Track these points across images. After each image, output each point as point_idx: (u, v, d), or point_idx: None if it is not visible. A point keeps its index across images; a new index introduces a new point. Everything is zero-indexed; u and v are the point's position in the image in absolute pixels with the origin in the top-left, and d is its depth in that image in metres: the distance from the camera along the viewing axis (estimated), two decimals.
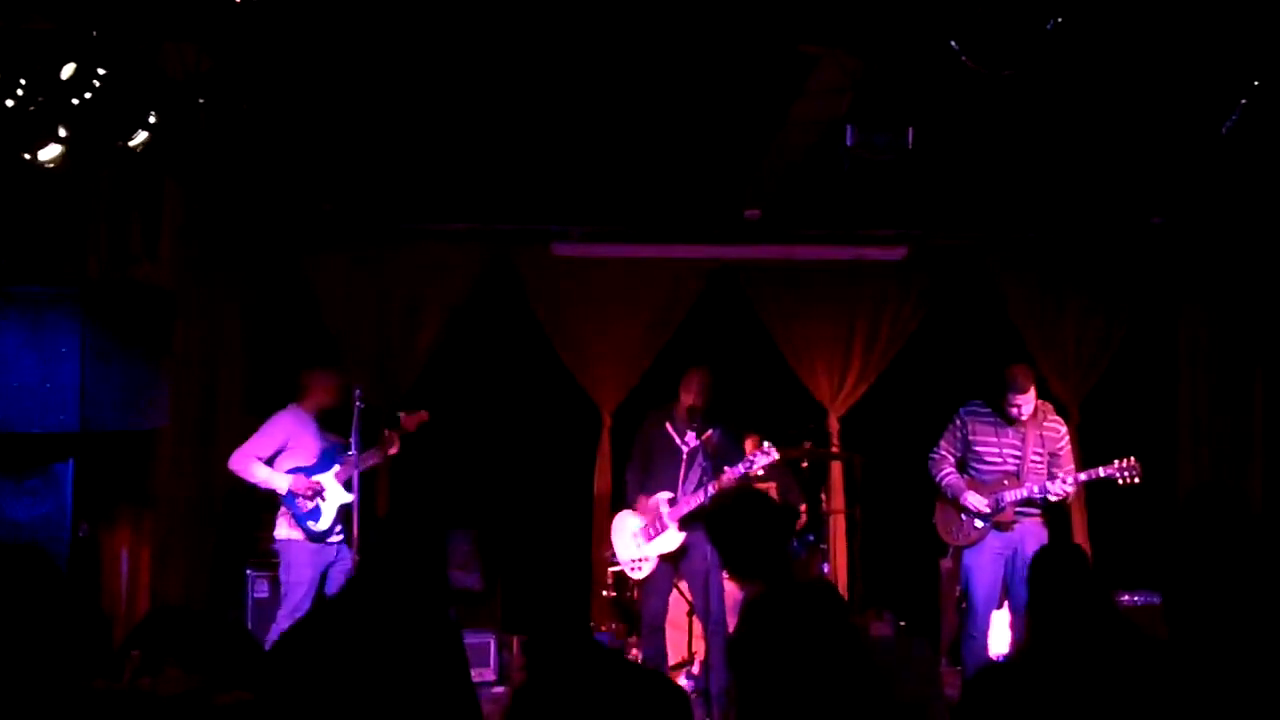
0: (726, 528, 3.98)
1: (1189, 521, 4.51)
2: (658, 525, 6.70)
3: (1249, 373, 8.31)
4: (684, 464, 6.70)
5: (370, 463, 6.93)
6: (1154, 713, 3.39)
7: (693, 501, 6.58)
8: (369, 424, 6.80)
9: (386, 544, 3.91)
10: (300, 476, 6.65)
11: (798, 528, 7.98)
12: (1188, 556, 4.23)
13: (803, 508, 8.26)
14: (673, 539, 6.65)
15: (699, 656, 7.19)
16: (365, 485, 6.90)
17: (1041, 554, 3.89)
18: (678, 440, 6.74)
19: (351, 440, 6.60)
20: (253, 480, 6.67)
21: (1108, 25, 4.64)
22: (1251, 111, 5.05)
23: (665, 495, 6.70)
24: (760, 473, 6.63)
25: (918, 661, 6.09)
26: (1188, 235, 8.36)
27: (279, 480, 6.64)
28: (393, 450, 7.02)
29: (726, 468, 6.49)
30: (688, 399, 6.75)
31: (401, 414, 7.05)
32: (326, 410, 6.89)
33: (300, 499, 6.63)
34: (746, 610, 3.74)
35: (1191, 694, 3.43)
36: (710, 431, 6.61)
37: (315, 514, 6.68)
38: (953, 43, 4.45)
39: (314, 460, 6.76)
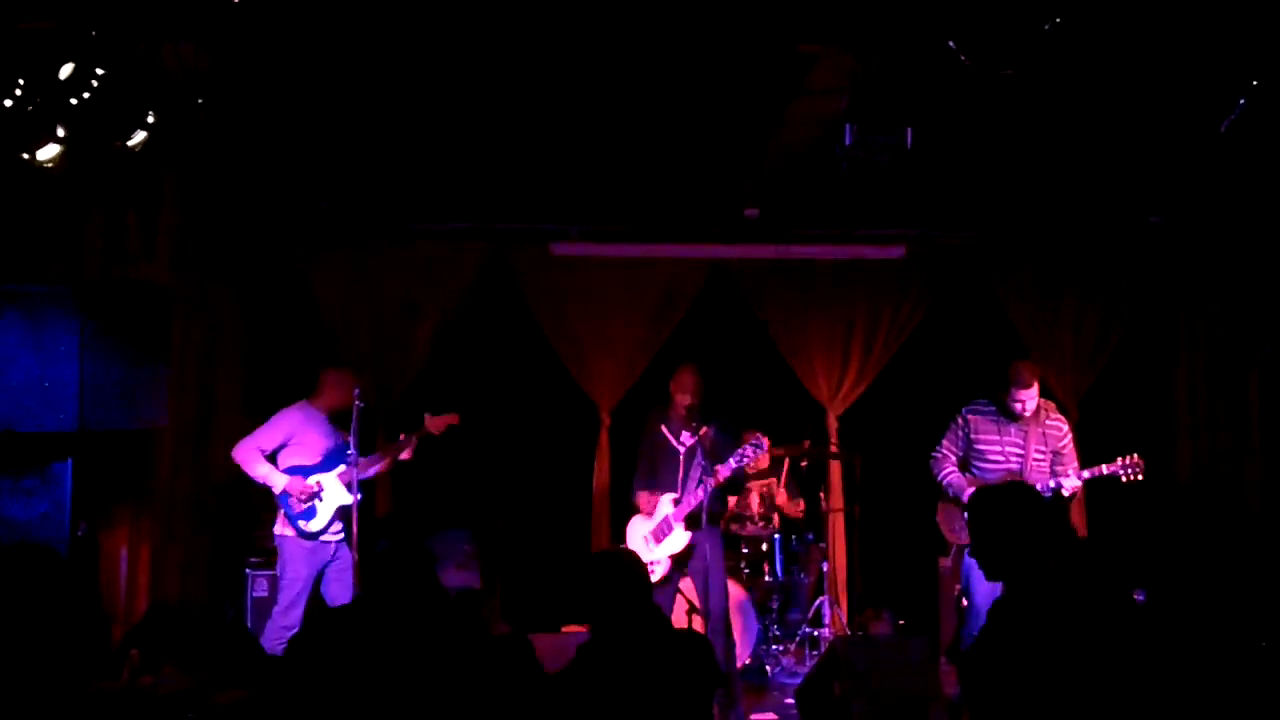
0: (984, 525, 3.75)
1: (1180, 522, 4.50)
2: (665, 527, 6.71)
3: (1246, 370, 8.31)
4: (682, 464, 6.69)
5: (376, 468, 6.91)
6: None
7: (693, 500, 6.57)
8: (367, 423, 6.78)
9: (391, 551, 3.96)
10: (297, 479, 6.64)
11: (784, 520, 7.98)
12: (1178, 555, 4.22)
13: (801, 505, 8.28)
14: (680, 539, 6.65)
15: None
16: (367, 484, 6.90)
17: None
18: (673, 441, 6.73)
19: (351, 439, 6.60)
20: (252, 474, 6.67)
21: (1106, 24, 4.64)
22: (1250, 110, 5.05)
23: (670, 496, 6.71)
24: (751, 467, 6.58)
25: (916, 660, 6.08)
26: (1186, 234, 8.36)
27: (276, 479, 6.64)
28: (405, 455, 6.94)
29: (719, 466, 6.50)
30: (682, 398, 6.75)
31: (427, 415, 6.90)
32: (337, 410, 6.86)
33: (293, 499, 6.64)
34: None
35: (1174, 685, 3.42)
36: (705, 429, 6.60)
37: (309, 514, 6.67)
38: (951, 42, 4.46)
39: (318, 459, 6.75)
